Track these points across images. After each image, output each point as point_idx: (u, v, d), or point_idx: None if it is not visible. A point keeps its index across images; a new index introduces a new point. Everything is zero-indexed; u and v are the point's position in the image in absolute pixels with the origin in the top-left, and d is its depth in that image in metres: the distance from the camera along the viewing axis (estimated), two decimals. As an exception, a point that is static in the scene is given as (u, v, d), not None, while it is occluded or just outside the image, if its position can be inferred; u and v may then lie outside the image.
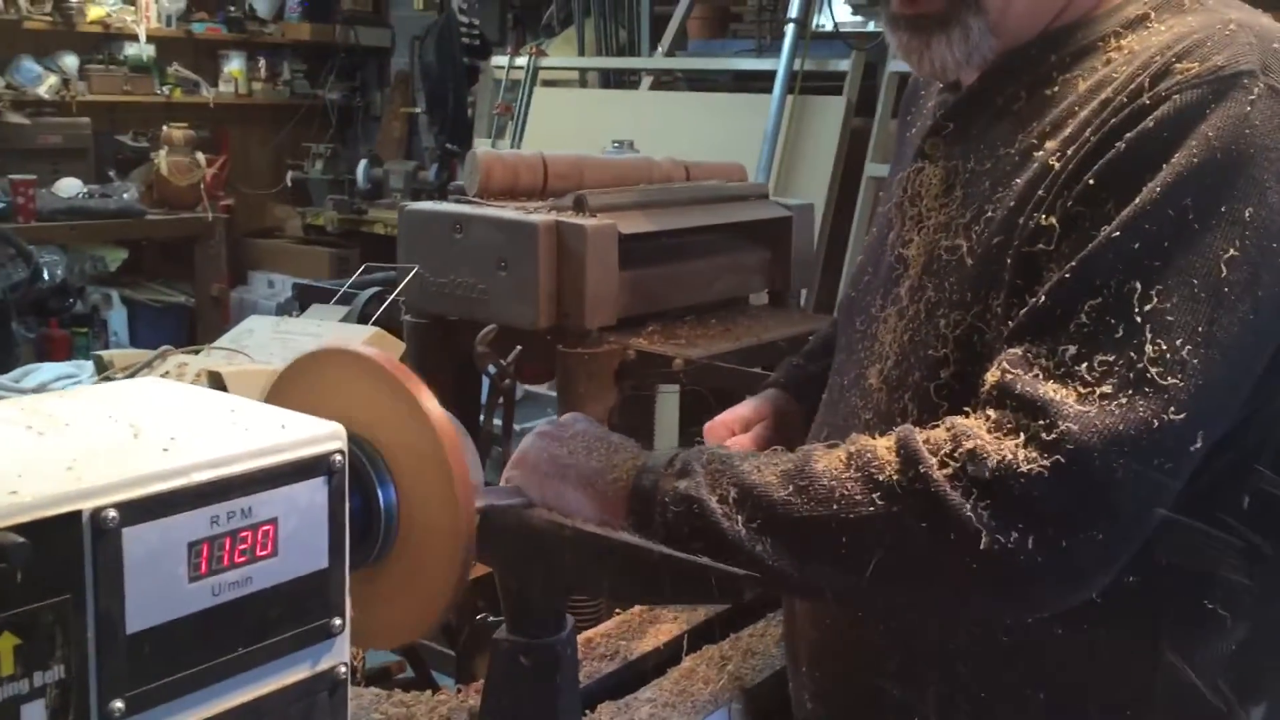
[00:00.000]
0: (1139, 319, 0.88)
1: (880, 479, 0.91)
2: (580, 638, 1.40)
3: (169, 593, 0.72)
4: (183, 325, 5.91)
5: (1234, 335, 0.89)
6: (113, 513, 0.69)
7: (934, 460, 0.90)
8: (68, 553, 0.67)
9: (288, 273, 6.14)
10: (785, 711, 1.34)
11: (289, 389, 0.97)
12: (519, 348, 1.85)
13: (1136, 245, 0.90)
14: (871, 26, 4.35)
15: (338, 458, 0.81)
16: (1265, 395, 0.97)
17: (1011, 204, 1.00)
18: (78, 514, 0.67)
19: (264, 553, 0.77)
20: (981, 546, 0.86)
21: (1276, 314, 0.92)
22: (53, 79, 5.84)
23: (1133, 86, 0.95)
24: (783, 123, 4.37)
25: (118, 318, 5.76)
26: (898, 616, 1.08)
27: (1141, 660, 1.03)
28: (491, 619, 1.08)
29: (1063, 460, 0.86)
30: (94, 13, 5.95)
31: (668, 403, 2.16)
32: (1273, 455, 1.02)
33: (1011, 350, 0.93)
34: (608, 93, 5.21)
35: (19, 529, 0.64)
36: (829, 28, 4.40)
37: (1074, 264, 0.92)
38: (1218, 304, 0.88)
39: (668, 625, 1.42)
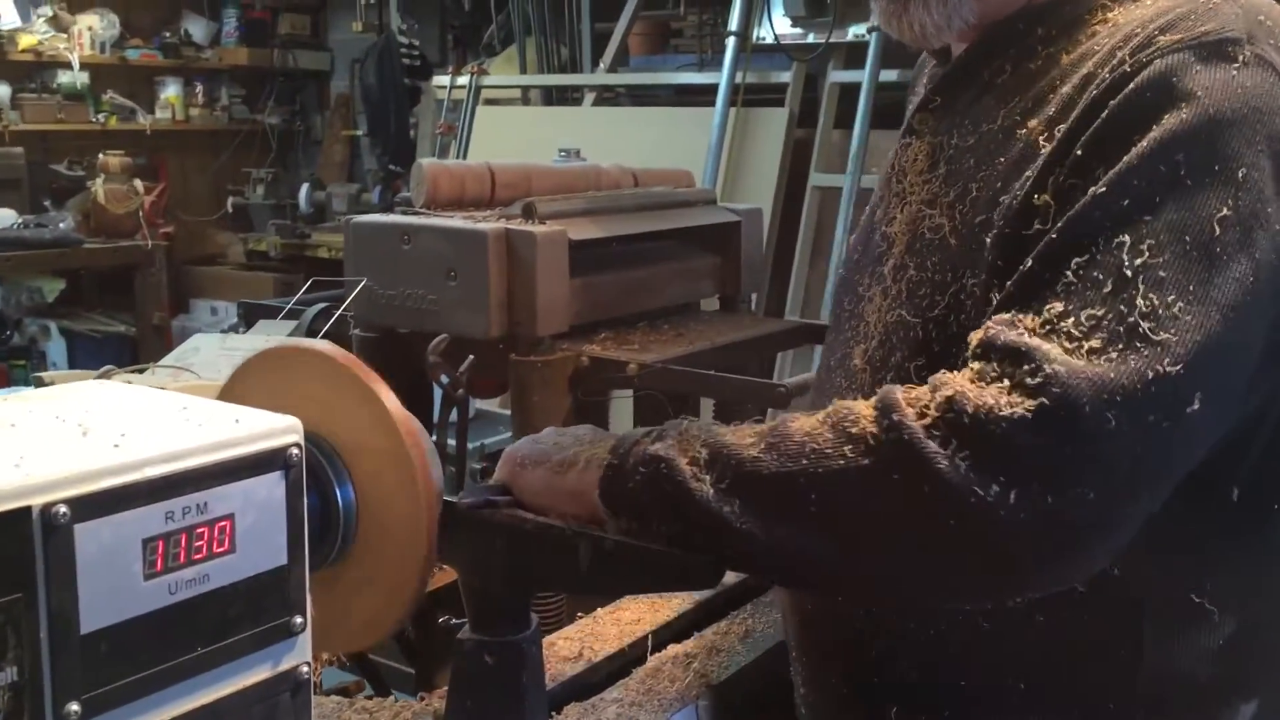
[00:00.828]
0: (1129, 273, 0.84)
1: (854, 431, 0.85)
2: (544, 640, 1.39)
3: (124, 591, 0.70)
4: (124, 355, 5.80)
5: (1231, 296, 0.84)
6: (64, 508, 0.67)
7: (911, 411, 0.84)
8: (18, 550, 0.65)
9: (231, 299, 6.06)
10: (753, 707, 1.33)
11: (242, 389, 0.95)
12: (471, 357, 1.84)
13: (1126, 201, 0.86)
14: (812, 38, 4.39)
15: (295, 451, 0.80)
16: (1258, 383, 0.92)
17: (997, 184, 0.97)
18: (27, 510, 0.65)
19: (221, 549, 0.75)
20: (959, 500, 0.79)
21: (1272, 285, 0.88)
22: (-16, 108, 5.74)
23: (1114, 60, 0.93)
24: (726, 135, 4.40)
25: (56, 349, 5.65)
26: (872, 602, 1.04)
27: (1125, 652, 0.99)
28: (455, 621, 1.06)
29: (1048, 403, 0.80)
30: (25, 41, 5.85)
31: (622, 409, 2.15)
32: (1262, 446, 0.98)
33: (1000, 315, 0.89)
34: (551, 110, 5.21)
35: (-34, 526, 0.62)
36: (769, 40, 4.42)
37: (1060, 224, 0.88)
38: (1211, 262, 0.84)
39: (632, 626, 1.40)
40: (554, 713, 1.20)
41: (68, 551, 0.67)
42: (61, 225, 5.43)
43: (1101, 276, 0.85)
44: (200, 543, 0.74)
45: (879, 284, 1.07)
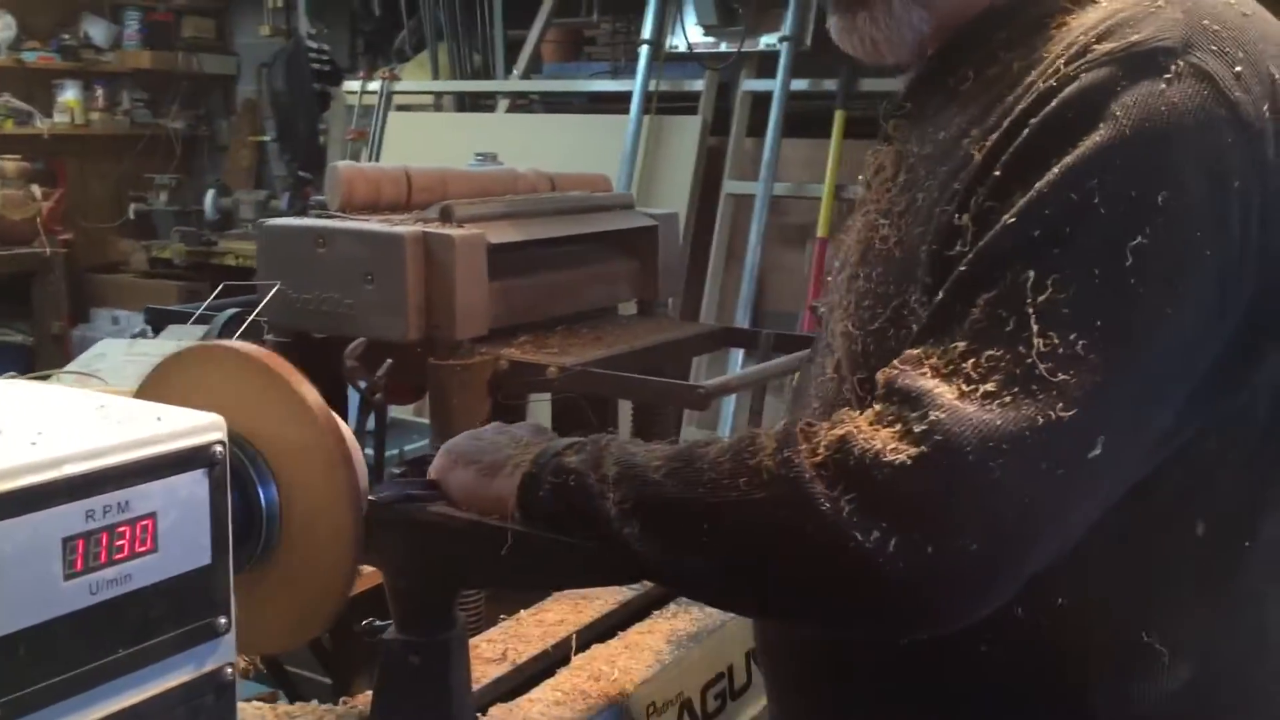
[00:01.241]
0: (1030, 310, 0.79)
1: (751, 463, 0.83)
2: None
3: (43, 591, 0.69)
4: (21, 365, 5.61)
5: (1146, 331, 0.80)
6: (-21, 506, 0.65)
7: (806, 447, 0.82)
8: (-69, 550, 0.63)
9: (133, 308, 5.91)
10: (675, 704, 1.34)
11: (158, 390, 0.93)
12: (389, 361, 1.82)
13: (1036, 232, 0.81)
14: (724, 47, 4.43)
15: (218, 449, 0.78)
16: (1211, 411, 0.87)
17: (935, 194, 0.92)
18: (-59, 509, 0.63)
19: (143, 548, 0.74)
20: (838, 543, 0.78)
21: (1209, 314, 0.82)
22: None
23: (1050, 69, 0.87)
24: (640, 142, 4.42)
25: (-50, 359, 5.46)
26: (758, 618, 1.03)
27: (1071, 691, 0.93)
28: (378, 623, 1.05)
29: (928, 451, 0.77)
30: (-84, 41, 5.66)
31: (542, 412, 2.15)
32: (1232, 476, 0.92)
33: (910, 350, 0.85)
34: (464, 116, 5.18)
35: (-123, 525, 0.60)
36: (682, 48, 4.46)
37: (970, 256, 0.84)
38: (1123, 296, 0.79)
39: (556, 627, 1.40)
40: (479, 714, 1.19)
41: (-16, 551, 0.65)
42: (-45, 232, 5.26)
43: (1005, 314, 0.81)
44: (122, 542, 0.72)
45: (838, 293, 1.05)
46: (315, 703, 1.13)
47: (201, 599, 0.78)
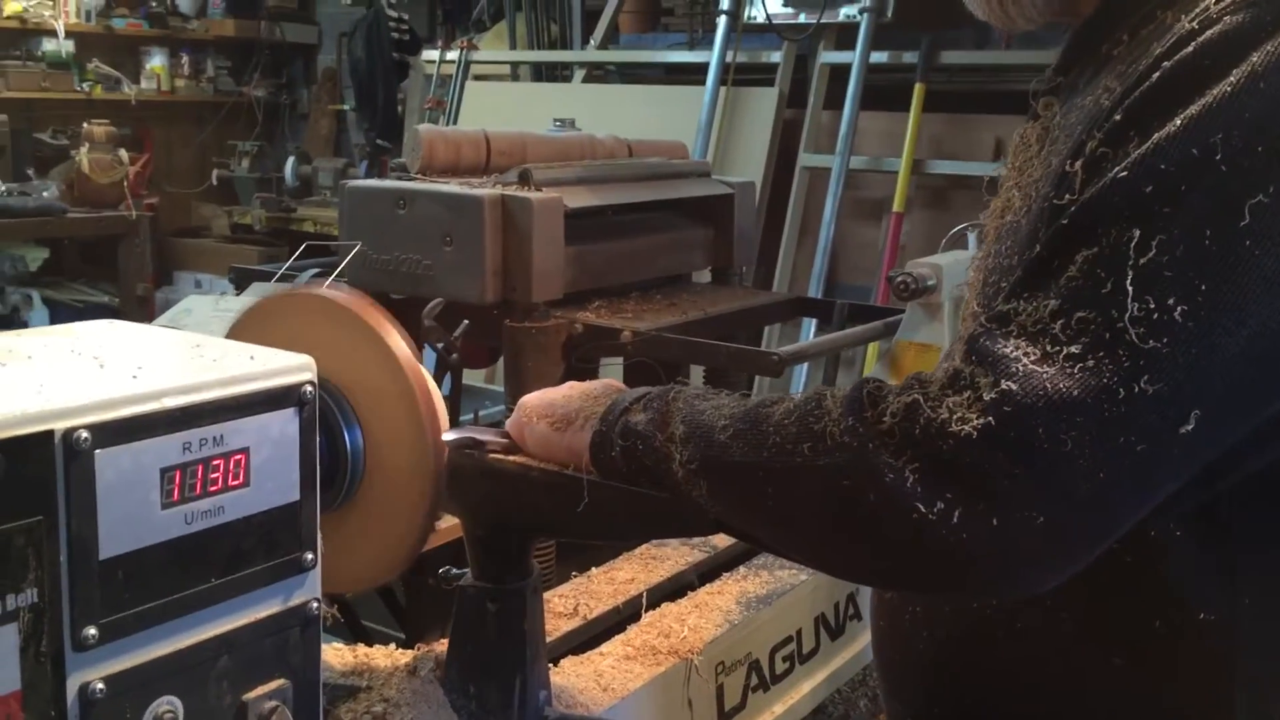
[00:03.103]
0: (1130, 271, 0.74)
1: (816, 428, 0.81)
2: (539, 597, 1.40)
3: (142, 519, 0.71)
4: (107, 326, 5.77)
5: (1257, 298, 0.74)
6: (85, 434, 0.67)
7: (872, 413, 0.79)
8: (39, 474, 0.66)
9: (215, 272, 6.04)
10: (743, 664, 1.35)
11: (248, 333, 0.96)
12: (466, 322, 1.84)
13: (1149, 188, 0.75)
14: (803, 18, 4.39)
15: (309, 389, 0.81)
16: None
17: (1065, 152, 0.86)
18: (49, 434, 0.66)
19: (236, 482, 0.76)
20: (901, 513, 0.75)
21: None
22: (-33, 75, 5.68)
23: (1199, 10, 0.81)
24: (716, 114, 4.40)
25: (38, 318, 5.61)
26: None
27: (1217, 712, 0.88)
28: (455, 570, 1.07)
29: (994, 423, 0.74)
30: (10, 8, 5.79)
31: (613, 376, 2.16)
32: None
33: (1001, 305, 0.81)
34: (540, 86, 5.20)
35: (-10, 446, 0.63)
36: (761, 19, 4.42)
37: (1075, 208, 0.79)
38: (1234, 258, 0.73)
39: (626, 585, 1.42)
40: (551, 664, 1.21)
41: (88, 477, 0.68)
42: (45, 194, 5.39)
43: (1104, 275, 0.75)
44: (216, 475, 0.75)
45: (971, 274, 1.02)
46: (393, 646, 1.15)
47: (290, 534, 0.81)
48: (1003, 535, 0.74)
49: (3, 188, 5.36)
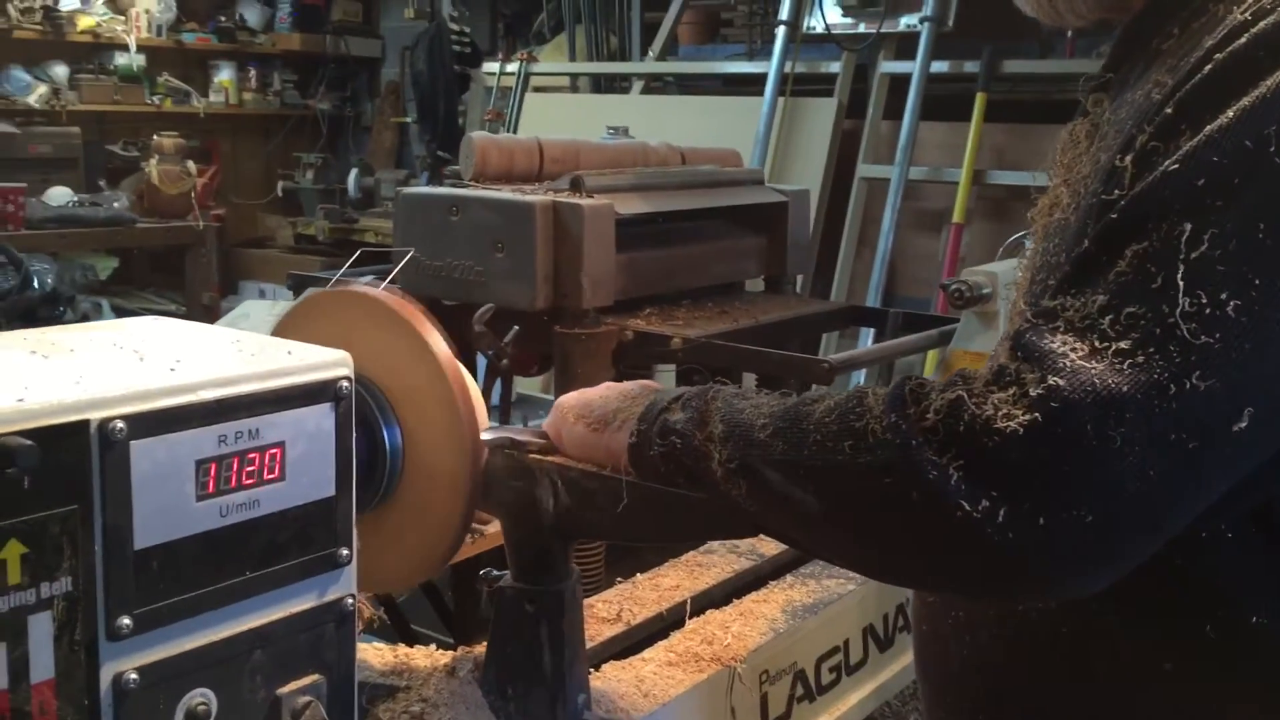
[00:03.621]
0: (1181, 265, 0.73)
1: (857, 426, 0.79)
2: (582, 600, 1.40)
3: (177, 510, 0.72)
4: (173, 334, 5.87)
5: None
6: (120, 424, 0.68)
7: (915, 410, 0.77)
8: (76, 462, 0.67)
9: (279, 282, 6.13)
10: (788, 673, 1.33)
11: (291, 330, 0.96)
12: (516, 328, 1.85)
13: (1201, 181, 0.74)
14: (863, 28, 4.36)
15: (345, 384, 0.81)
16: None
17: (1115, 147, 0.84)
18: (85, 423, 0.67)
19: (271, 476, 0.77)
20: (945, 512, 0.74)
21: None
22: (42, 88, 5.83)
23: (1249, 1, 0.79)
24: (774, 124, 4.39)
25: (108, 327, 5.73)
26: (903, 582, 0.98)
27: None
28: (495, 572, 1.07)
29: (1041, 419, 0.72)
30: (84, 22, 5.95)
31: (664, 383, 2.15)
32: None
33: (1047, 302, 0.79)
34: (599, 97, 5.22)
35: (26, 434, 0.64)
36: (820, 30, 4.40)
37: (1125, 202, 0.77)
38: None
39: (671, 592, 1.41)
40: (591, 669, 1.20)
41: (124, 467, 0.68)
42: (116, 204, 5.52)
43: (1154, 269, 0.74)
44: (252, 468, 0.75)
45: (1019, 274, 1.00)
46: (433, 646, 1.15)
47: (325, 529, 0.81)
48: (1050, 535, 0.73)
49: (75, 198, 5.49)
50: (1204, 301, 0.72)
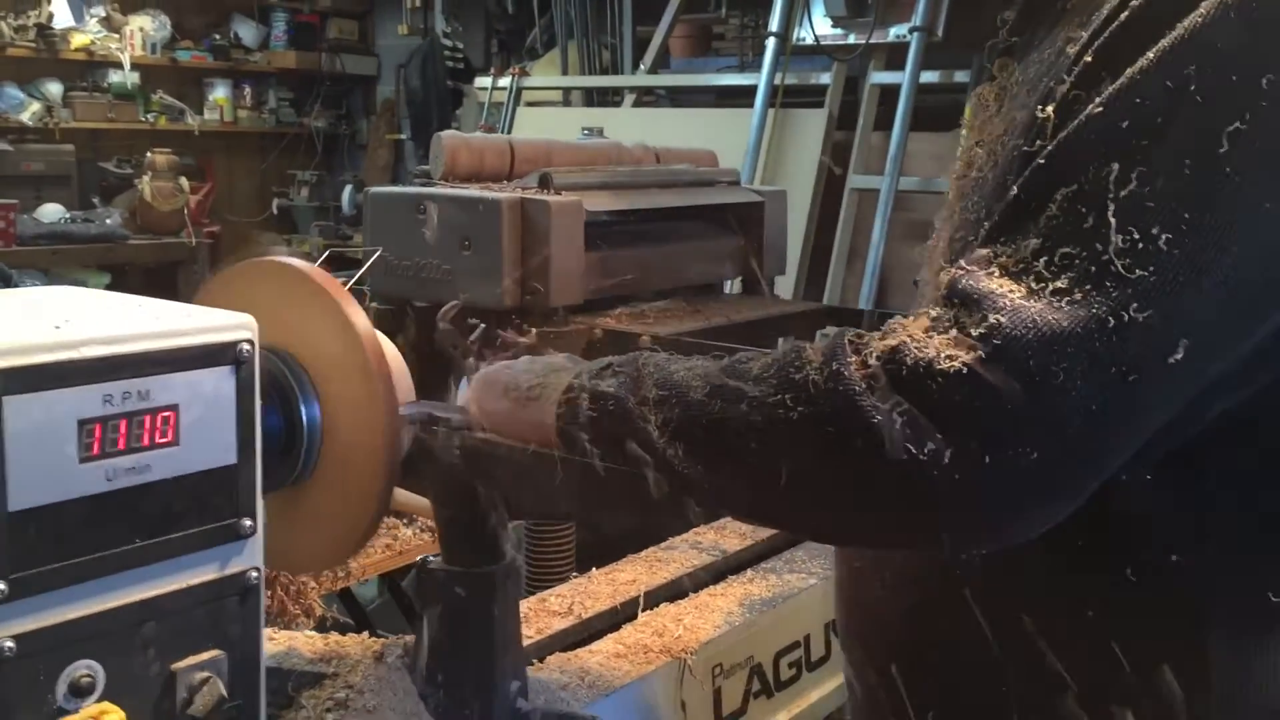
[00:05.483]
0: (1111, 204, 0.73)
1: (796, 378, 0.78)
2: (534, 598, 1.36)
3: (57, 471, 0.69)
4: (166, 351, 5.86)
5: (1240, 225, 0.73)
6: (-7, 379, 0.65)
7: (855, 359, 0.77)
8: (-58, 417, 0.64)
9: (273, 298, 6.12)
10: (744, 667, 1.30)
11: (211, 301, 0.93)
12: (482, 325, 1.82)
13: (1125, 123, 0.74)
14: (852, 38, 4.35)
15: (246, 348, 0.78)
16: None
17: (1031, 102, 0.84)
18: (-47, 377, 0.64)
19: (164, 440, 0.73)
20: (890, 458, 0.73)
21: None
22: (36, 106, 5.84)
23: None
24: (765, 136, 4.37)
25: (100, 343, 5.71)
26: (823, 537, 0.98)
27: (1189, 664, 0.84)
28: (433, 557, 1.03)
29: (984, 357, 0.72)
30: (78, 40, 5.96)
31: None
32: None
33: (980, 250, 0.79)
34: (590, 110, 5.20)
35: (-113, 385, 0.61)
36: (809, 41, 4.39)
37: (1051, 148, 0.78)
38: (1214, 186, 0.72)
39: (626, 586, 1.37)
40: (536, 660, 1.17)
41: (-5, 423, 0.65)
42: (108, 221, 5.52)
43: (1084, 210, 0.74)
44: (141, 431, 0.72)
45: (935, 236, 0.99)
46: (365, 634, 1.12)
47: (226, 499, 0.78)
48: (996, 474, 0.73)
49: (67, 215, 5.49)
50: (1136, 237, 0.72)
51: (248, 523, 0.79)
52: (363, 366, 0.89)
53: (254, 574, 0.80)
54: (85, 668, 0.71)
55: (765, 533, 1.54)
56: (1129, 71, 0.75)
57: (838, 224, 4.31)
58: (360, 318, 0.91)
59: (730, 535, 1.54)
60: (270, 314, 0.89)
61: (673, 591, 1.38)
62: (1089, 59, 0.78)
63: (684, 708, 1.21)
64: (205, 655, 0.77)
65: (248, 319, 0.79)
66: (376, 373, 0.89)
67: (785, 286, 3.96)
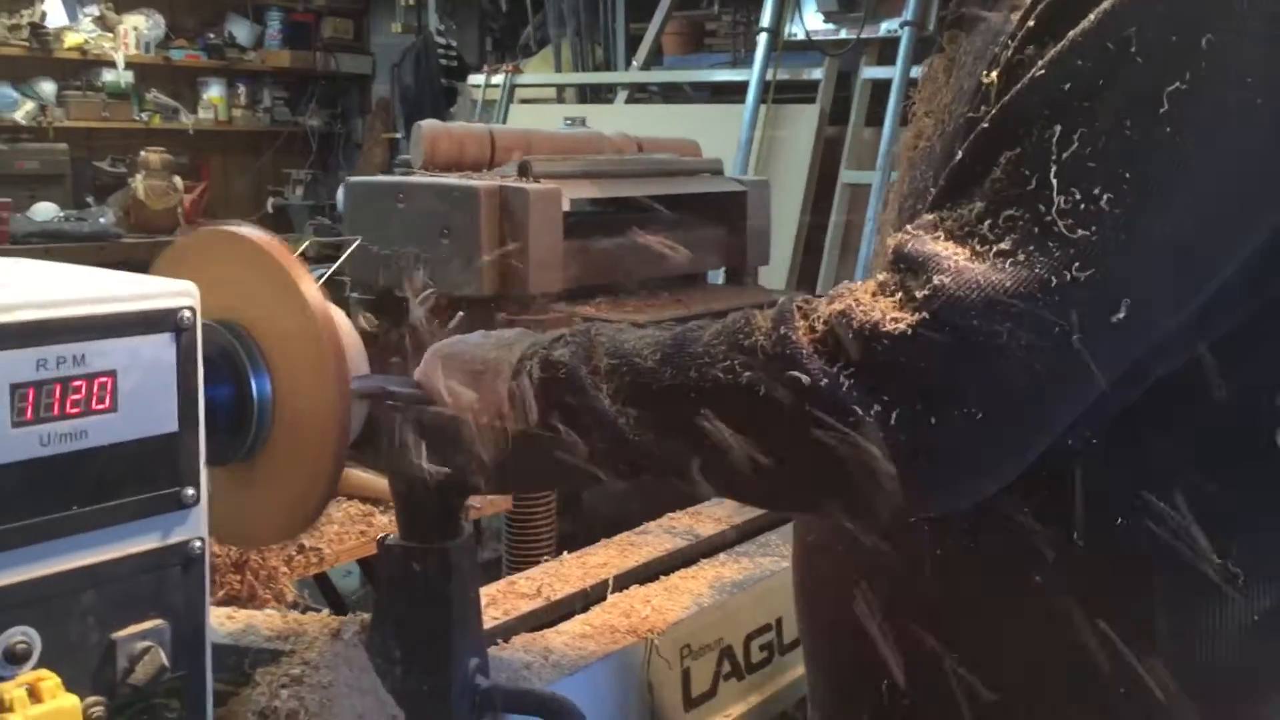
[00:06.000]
0: (1054, 165, 0.74)
1: (746, 344, 0.79)
2: (502, 580, 1.35)
3: (-11, 435, 0.68)
4: (161, 350, 5.86)
5: (1180, 183, 0.73)
6: (-80, 341, 0.64)
7: (802, 323, 0.78)
8: None
9: (267, 297, 6.12)
10: (713, 649, 1.29)
11: (164, 272, 0.93)
12: (460, 313, 1.81)
13: (1068, 85, 0.75)
14: (844, 34, 4.35)
15: (187, 314, 0.77)
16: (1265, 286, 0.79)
17: (981, 72, 0.84)
18: (-122, 338, 0.63)
19: (101, 406, 0.73)
20: (840, 420, 0.74)
21: (1261, 171, 0.75)
22: (29, 105, 5.84)
23: None
24: (757, 131, 4.37)
25: (94, 342, 5.71)
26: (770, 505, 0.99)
27: (1133, 623, 0.84)
28: (392, 536, 1.03)
29: (928, 317, 0.73)
30: (72, 39, 5.96)
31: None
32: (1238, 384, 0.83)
33: (925, 215, 0.80)
34: (583, 107, 5.20)
35: None
36: (801, 37, 4.39)
37: (994, 111, 0.78)
38: (1154, 145, 0.72)
39: (597, 569, 1.37)
40: (500, 640, 1.16)
41: (-76, 385, 0.65)
42: (101, 220, 5.52)
43: (1028, 173, 0.75)
44: (77, 396, 0.71)
45: (887, 207, 1.01)
46: (326, 611, 1.11)
47: (167, 467, 0.77)
48: (942, 434, 0.74)
49: (61, 214, 5.49)
50: (1078, 198, 0.73)
51: (190, 492, 0.78)
52: (314, 338, 0.88)
53: (198, 544, 0.79)
54: (21, 634, 0.70)
55: (740, 517, 1.53)
56: (1070, 34, 0.75)
57: (829, 219, 4.30)
58: (312, 289, 0.90)
59: (705, 520, 1.54)
60: (222, 285, 0.89)
61: (643, 574, 1.37)
62: (1031, 23, 0.79)
63: (651, 689, 1.20)
64: (147, 624, 0.76)
65: (189, 286, 0.78)
66: (328, 344, 0.88)
67: (778, 280, 3.97)
